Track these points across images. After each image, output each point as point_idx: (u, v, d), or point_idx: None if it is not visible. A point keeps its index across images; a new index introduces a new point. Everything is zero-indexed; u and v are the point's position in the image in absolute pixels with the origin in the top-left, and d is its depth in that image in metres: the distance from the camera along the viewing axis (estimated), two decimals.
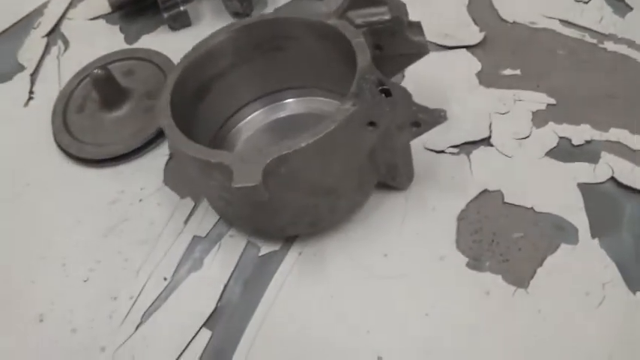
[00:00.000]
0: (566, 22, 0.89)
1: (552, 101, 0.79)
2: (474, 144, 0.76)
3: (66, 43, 0.99)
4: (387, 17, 0.67)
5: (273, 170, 0.57)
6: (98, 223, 0.75)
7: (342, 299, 0.66)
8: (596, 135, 0.76)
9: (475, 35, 0.88)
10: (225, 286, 0.68)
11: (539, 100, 0.80)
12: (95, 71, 0.79)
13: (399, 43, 0.69)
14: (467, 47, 0.87)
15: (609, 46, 0.86)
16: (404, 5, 0.69)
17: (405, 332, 0.63)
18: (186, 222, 0.73)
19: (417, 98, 0.63)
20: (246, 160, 0.57)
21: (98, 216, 0.76)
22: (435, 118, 0.62)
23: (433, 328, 0.63)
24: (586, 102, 0.79)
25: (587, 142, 0.75)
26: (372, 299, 0.66)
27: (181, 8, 0.93)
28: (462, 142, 0.76)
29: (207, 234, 0.72)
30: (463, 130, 0.76)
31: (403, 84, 0.79)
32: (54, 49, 0.99)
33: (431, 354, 0.62)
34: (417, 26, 0.70)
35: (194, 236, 0.72)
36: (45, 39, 1.00)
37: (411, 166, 0.70)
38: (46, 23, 1.03)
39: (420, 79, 0.76)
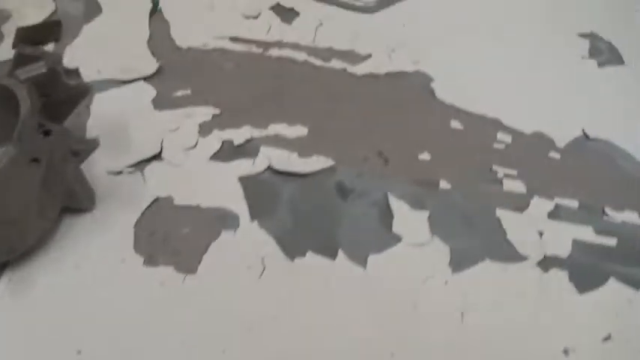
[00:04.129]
0: (235, 39, 1.03)
1: (217, 112, 0.93)
2: (148, 161, 0.88)
3: None
4: (43, 70, 0.78)
5: None
6: None
7: (52, 320, 0.74)
8: (256, 133, 0.90)
9: (151, 65, 1.00)
10: None
11: (206, 112, 0.93)
12: None
13: (62, 88, 0.80)
14: (144, 78, 0.98)
15: (274, 52, 1.00)
16: (59, 57, 0.80)
17: (105, 330, 0.73)
18: None
19: (102, 133, 0.75)
20: None
21: None
22: (89, 145, 0.75)
23: (120, 325, 0.73)
24: (249, 107, 0.94)
25: (248, 140, 0.89)
26: (77, 312, 0.74)
27: None
28: (136, 161, 0.87)
29: None
30: (138, 151, 0.88)
31: (90, 122, 0.90)
32: None
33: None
34: (74, 72, 0.82)
35: None
36: None
37: (88, 188, 0.82)
38: None
39: (105, 115, 0.87)
